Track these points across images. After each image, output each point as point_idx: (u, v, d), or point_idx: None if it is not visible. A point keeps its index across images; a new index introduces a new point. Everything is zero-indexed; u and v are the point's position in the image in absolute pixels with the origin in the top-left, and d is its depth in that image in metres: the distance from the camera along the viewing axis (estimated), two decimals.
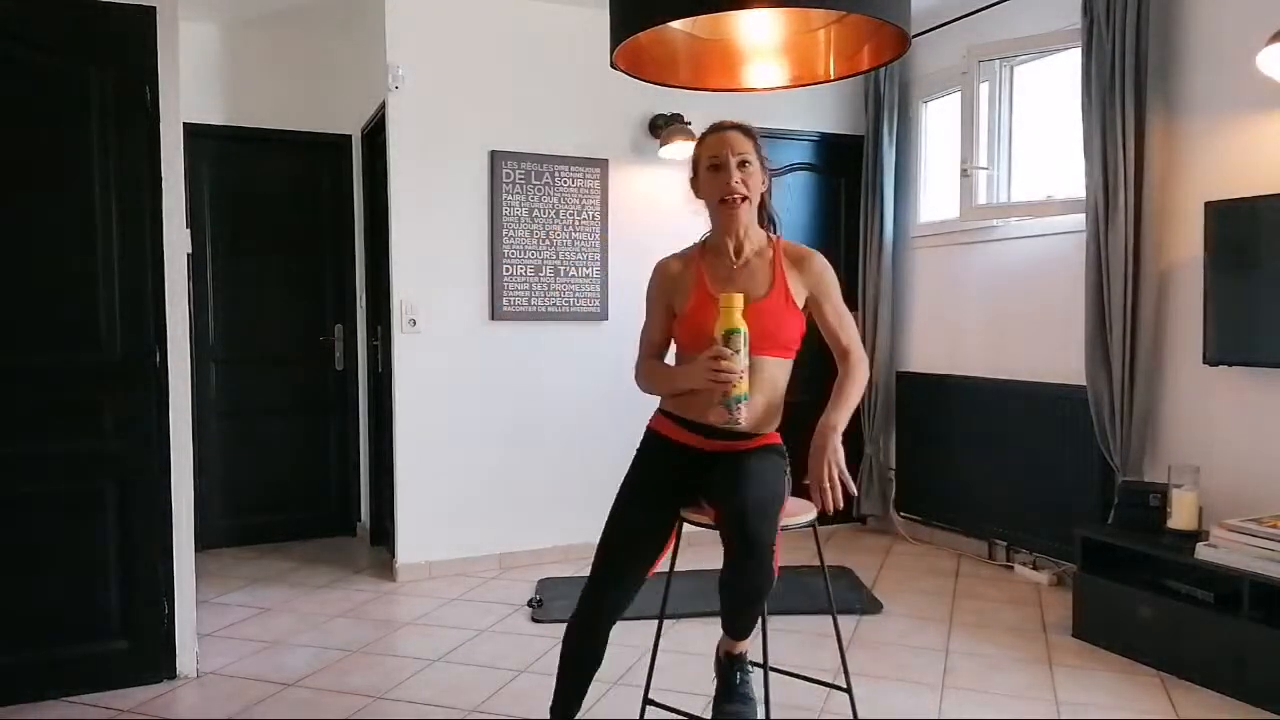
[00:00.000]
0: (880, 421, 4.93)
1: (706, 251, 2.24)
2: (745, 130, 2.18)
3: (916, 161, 4.91)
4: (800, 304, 2.18)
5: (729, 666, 2.23)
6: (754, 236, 2.20)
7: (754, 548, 1.91)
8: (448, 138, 4.17)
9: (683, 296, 2.20)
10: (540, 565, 4.31)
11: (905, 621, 3.58)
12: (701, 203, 2.23)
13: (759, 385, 2.09)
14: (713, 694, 2.36)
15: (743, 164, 2.13)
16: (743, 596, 2.01)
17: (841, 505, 2.03)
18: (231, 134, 4.63)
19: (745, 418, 2.00)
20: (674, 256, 2.28)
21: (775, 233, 2.28)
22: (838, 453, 2.04)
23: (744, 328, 1.96)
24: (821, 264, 2.21)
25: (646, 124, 4.52)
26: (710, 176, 2.15)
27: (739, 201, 2.13)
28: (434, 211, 4.16)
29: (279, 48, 4.71)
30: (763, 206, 2.24)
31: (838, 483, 2.01)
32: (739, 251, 2.19)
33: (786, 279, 2.16)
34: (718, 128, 2.20)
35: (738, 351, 1.95)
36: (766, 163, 2.20)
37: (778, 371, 2.16)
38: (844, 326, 2.23)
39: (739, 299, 1.98)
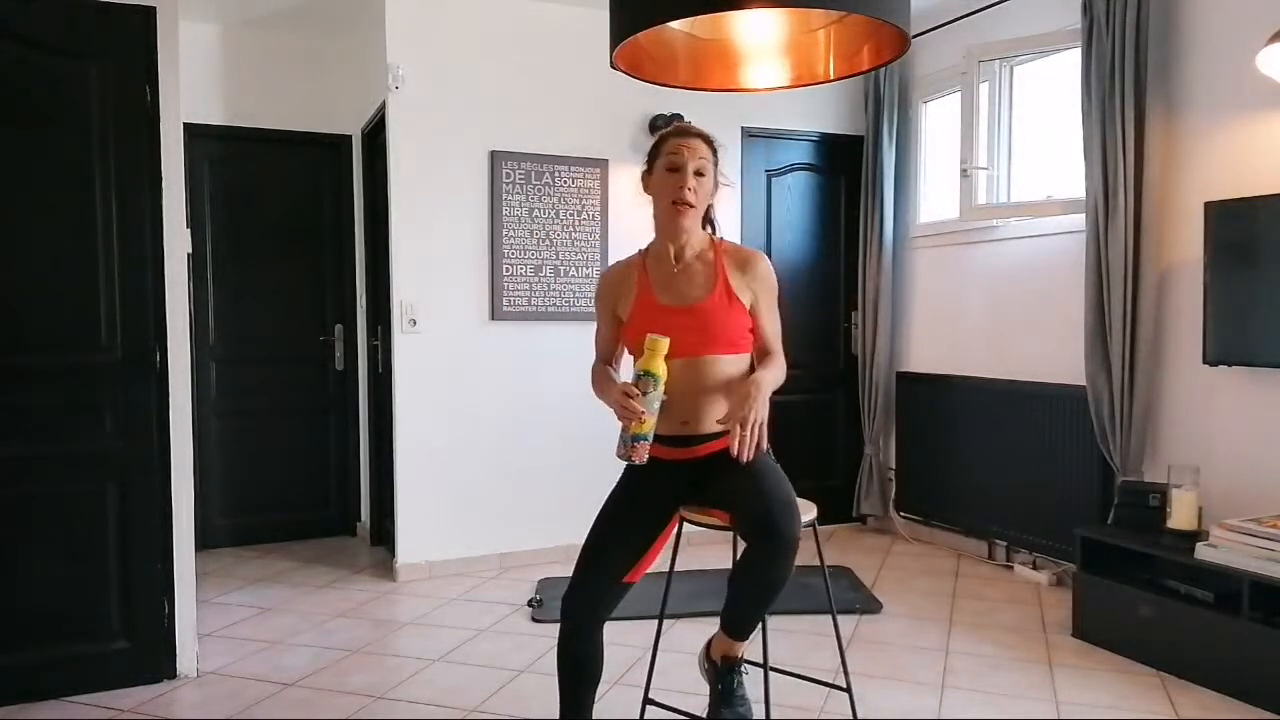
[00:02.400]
0: (880, 421, 4.93)
1: (649, 256, 2.27)
2: (709, 141, 2.21)
3: (916, 161, 4.91)
4: (746, 302, 2.20)
5: (727, 672, 2.22)
6: (695, 241, 2.23)
7: (784, 543, 1.93)
8: (448, 138, 4.17)
9: (626, 303, 2.25)
10: (540, 565, 4.31)
11: (905, 621, 3.58)
12: (648, 198, 2.25)
13: (713, 385, 2.16)
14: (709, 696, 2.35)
15: (699, 173, 2.16)
16: (761, 590, 2.02)
17: (750, 455, 2.00)
18: (231, 134, 4.63)
19: (642, 457, 2.03)
20: (616, 265, 2.35)
21: (715, 235, 2.31)
22: (763, 405, 2.03)
23: (660, 373, 2.00)
24: (766, 267, 2.23)
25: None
26: (665, 176, 2.17)
27: (686, 208, 2.15)
28: (434, 211, 4.16)
29: (279, 48, 4.71)
30: (706, 213, 2.27)
31: (751, 431, 2.00)
32: (680, 256, 2.22)
33: (729, 279, 2.18)
34: (684, 131, 2.22)
35: (646, 393, 1.99)
36: (721, 178, 2.24)
37: (731, 368, 2.18)
38: (774, 334, 2.26)
39: (664, 343, 2.01)
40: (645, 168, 2.26)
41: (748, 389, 2.04)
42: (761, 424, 2.02)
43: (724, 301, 2.17)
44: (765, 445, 2.03)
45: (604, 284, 2.33)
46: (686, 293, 2.18)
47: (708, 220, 2.29)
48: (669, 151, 2.18)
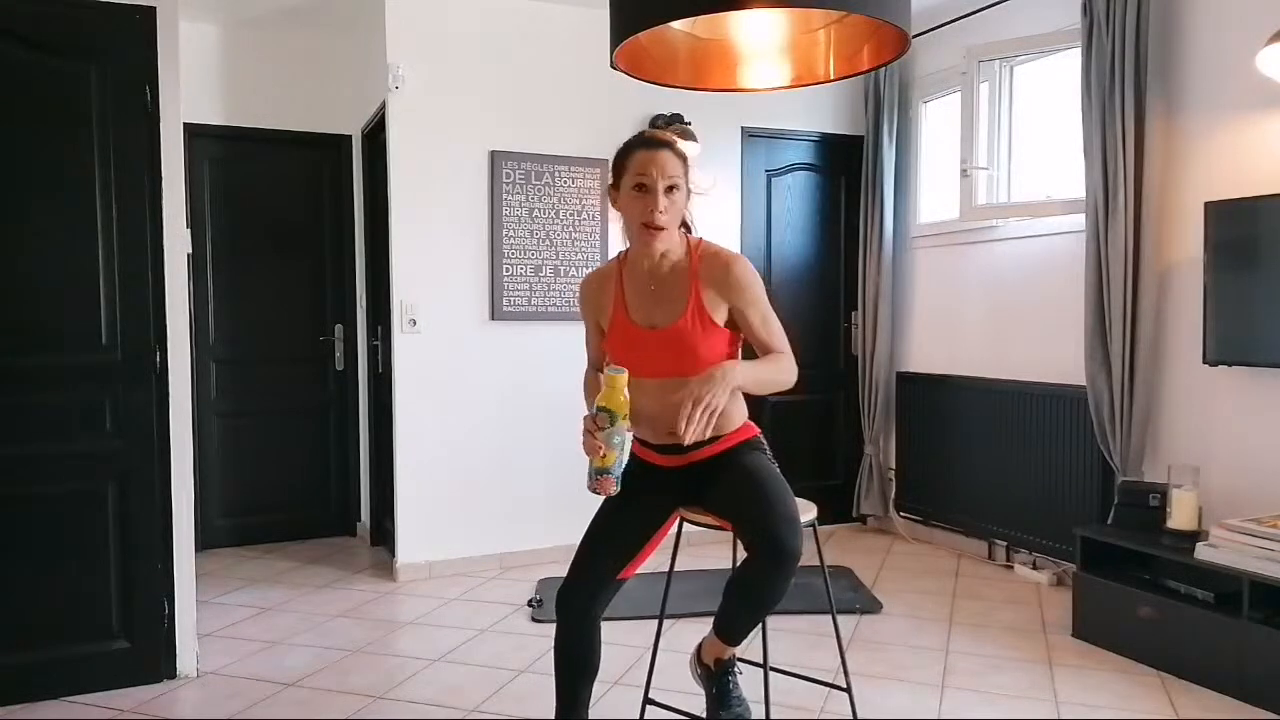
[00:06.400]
0: (880, 421, 4.93)
1: (626, 265, 2.20)
2: (677, 150, 2.10)
3: (916, 161, 4.91)
4: (720, 320, 2.11)
5: (722, 674, 2.22)
6: (671, 252, 2.13)
7: (788, 559, 1.91)
8: (448, 138, 4.17)
9: (605, 316, 2.20)
10: (540, 565, 4.31)
11: (905, 621, 3.58)
12: (618, 212, 2.15)
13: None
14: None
15: (670, 189, 2.04)
16: (760, 601, 2.00)
17: (693, 436, 1.90)
18: (231, 134, 4.63)
19: (609, 490, 1.99)
20: (596, 273, 2.28)
21: (691, 234, 2.20)
22: (715, 392, 1.91)
23: (618, 409, 1.93)
24: (741, 274, 2.11)
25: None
26: (634, 196, 2.06)
27: (659, 231, 2.06)
28: (434, 211, 4.16)
29: (279, 48, 4.71)
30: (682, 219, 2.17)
31: (701, 412, 1.89)
32: (656, 270, 2.14)
33: (702, 299, 2.09)
34: (650, 143, 2.09)
35: (604, 429, 1.94)
36: (694, 186, 2.12)
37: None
38: (772, 334, 2.15)
39: (621, 379, 1.94)
40: (611, 181, 2.14)
41: (711, 371, 1.95)
42: (714, 411, 1.91)
43: (696, 325, 2.08)
44: (706, 433, 1.95)
45: (584, 293, 2.27)
46: (660, 314, 2.11)
47: (683, 223, 2.18)
48: (636, 171, 2.06)
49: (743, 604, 2.05)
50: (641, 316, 2.14)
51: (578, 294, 2.31)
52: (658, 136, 2.14)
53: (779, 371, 2.12)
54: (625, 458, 1.99)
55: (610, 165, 2.17)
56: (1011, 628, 3.49)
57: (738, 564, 2.04)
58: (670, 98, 4.31)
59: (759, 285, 2.14)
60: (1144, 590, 3.15)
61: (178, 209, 3.03)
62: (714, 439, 2.15)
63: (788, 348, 2.18)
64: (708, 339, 2.10)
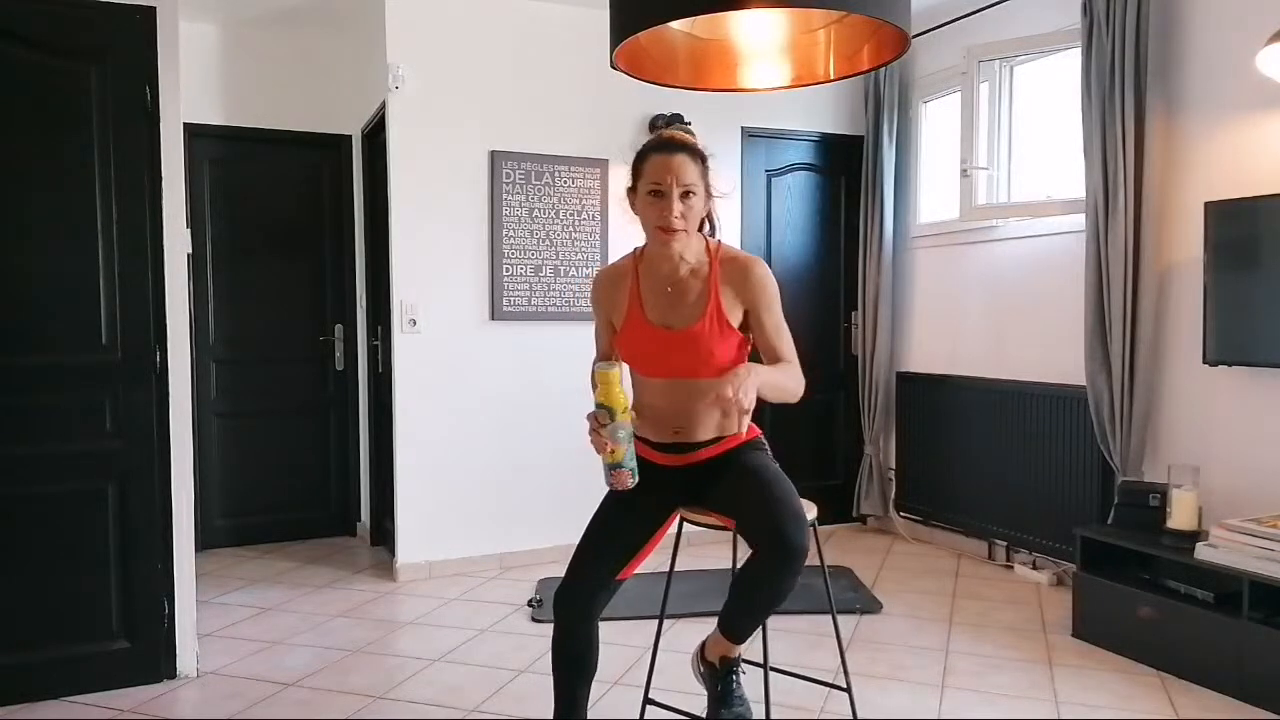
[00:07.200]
0: (880, 421, 4.93)
1: (643, 262, 2.18)
2: (694, 153, 2.06)
3: (916, 161, 4.91)
4: (735, 323, 2.12)
5: (726, 673, 2.22)
6: (690, 254, 2.12)
7: (796, 556, 1.91)
8: (448, 138, 4.17)
9: (619, 313, 2.18)
10: (540, 565, 4.31)
11: (905, 621, 3.58)
12: (636, 214, 2.12)
13: (704, 399, 2.06)
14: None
15: (686, 194, 2.02)
16: (767, 598, 2.01)
17: (742, 424, 1.91)
18: (231, 134, 4.63)
19: (624, 483, 2.00)
20: (610, 268, 2.26)
21: (714, 235, 2.20)
22: (748, 388, 1.87)
23: (616, 405, 1.95)
24: (761, 277, 2.13)
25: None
26: (650, 201, 2.04)
27: (675, 234, 2.04)
28: (434, 211, 4.16)
29: (279, 48, 4.71)
30: (702, 220, 2.15)
31: (740, 399, 1.85)
32: (674, 272, 2.13)
33: (721, 301, 2.09)
34: (666, 147, 2.06)
35: (605, 425, 1.95)
36: (712, 188, 2.10)
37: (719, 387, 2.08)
38: (783, 341, 2.16)
39: (615, 375, 1.95)
40: (629, 184, 2.12)
41: (738, 370, 1.92)
42: (744, 397, 1.86)
43: (714, 328, 2.09)
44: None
45: (597, 288, 2.26)
46: (677, 315, 2.11)
47: (708, 220, 2.18)
48: (651, 176, 2.04)
49: (749, 601, 2.05)
50: (657, 316, 2.14)
51: (591, 288, 2.29)
52: (675, 139, 2.09)
53: (792, 380, 2.12)
54: (634, 448, 2.02)
55: (630, 167, 2.14)
56: (1011, 628, 3.49)
57: (742, 561, 2.04)
58: (670, 98, 4.31)
59: (776, 290, 2.15)
60: (1144, 590, 3.15)
61: (178, 209, 3.03)
62: (717, 439, 2.16)
63: (796, 358, 2.18)
64: (724, 342, 2.11)
